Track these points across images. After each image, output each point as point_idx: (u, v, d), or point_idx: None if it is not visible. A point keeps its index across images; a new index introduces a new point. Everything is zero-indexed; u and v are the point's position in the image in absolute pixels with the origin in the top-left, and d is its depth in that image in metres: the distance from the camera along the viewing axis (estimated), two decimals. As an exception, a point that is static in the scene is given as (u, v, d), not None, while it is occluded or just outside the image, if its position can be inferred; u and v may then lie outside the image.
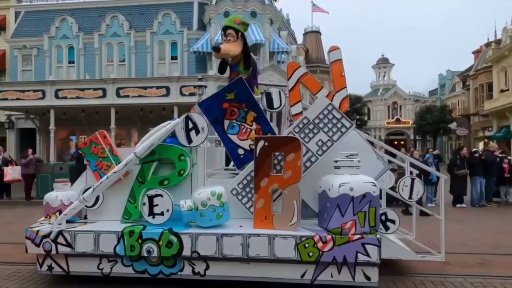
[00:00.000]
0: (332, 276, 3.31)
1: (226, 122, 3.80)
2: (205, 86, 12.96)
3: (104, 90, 15.02)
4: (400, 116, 37.93)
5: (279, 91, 3.93)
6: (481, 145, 27.67)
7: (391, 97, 38.49)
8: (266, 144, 3.50)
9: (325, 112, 3.69)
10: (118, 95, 14.96)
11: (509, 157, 10.56)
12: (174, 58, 18.24)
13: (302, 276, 3.33)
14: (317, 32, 34.27)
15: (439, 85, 47.47)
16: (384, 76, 41.22)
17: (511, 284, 3.96)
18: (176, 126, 3.74)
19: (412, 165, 4.54)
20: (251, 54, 4.46)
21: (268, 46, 17.50)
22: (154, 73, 17.83)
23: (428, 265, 4.48)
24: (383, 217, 3.85)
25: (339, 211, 3.26)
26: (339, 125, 3.68)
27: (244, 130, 3.79)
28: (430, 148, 14.56)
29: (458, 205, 9.78)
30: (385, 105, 38.54)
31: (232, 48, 4.26)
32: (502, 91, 25.14)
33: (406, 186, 4.00)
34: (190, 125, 3.71)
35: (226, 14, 16.94)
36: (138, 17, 18.81)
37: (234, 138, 3.78)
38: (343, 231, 3.26)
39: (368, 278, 3.29)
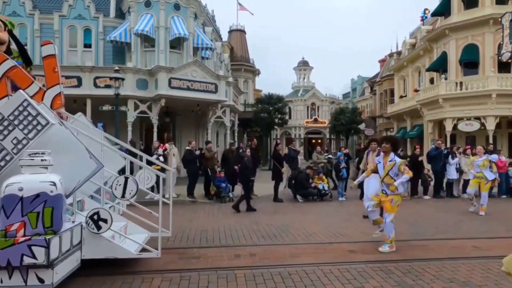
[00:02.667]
0: (1, 281, 3.19)
1: None
2: (123, 79, 12.17)
3: (-1, 77, 13.09)
4: (318, 116, 40.52)
5: None
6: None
7: (310, 98, 40.88)
8: None
9: (21, 108, 3.56)
10: (17, 83, 13.21)
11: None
12: (87, 46, 16.70)
13: None
14: (242, 31, 34.68)
15: (351, 89, 52.03)
16: (304, 78, 43.57)
17: (399, 266, 4.53)
18: None
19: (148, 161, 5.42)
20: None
21: (192, 41, 17.12)
22: (63, 61, 16.10)
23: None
24: (95, 217, 3.90)
25: (3, 212, 3.16)
26: (35, 122, 3.58)
27: None
28: (342, 147, 15.92)
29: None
30: (305, 105, 40.78)
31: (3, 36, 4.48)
32: (401, 97, 28.57)
33: (119, 185, 4.06)
34: None
35: (147, 4, 16.09)
36: (44, -4, 16.76)
37: None
38: (9, 233, 3.16)
39: (41, 280, 3.24)
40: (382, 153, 5.41)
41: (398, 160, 5.20)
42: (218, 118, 17.71)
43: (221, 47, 24.84)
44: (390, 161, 5.18)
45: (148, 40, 16.25)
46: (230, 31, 34.67)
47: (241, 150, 10.38)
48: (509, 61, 18.31)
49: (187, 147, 10.36)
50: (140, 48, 16.31)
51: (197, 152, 10.63)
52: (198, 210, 8.86)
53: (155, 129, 14.41)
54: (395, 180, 5.11)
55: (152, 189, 10.63)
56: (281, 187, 10.92)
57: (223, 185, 10.48)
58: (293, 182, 10.80)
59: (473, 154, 11.60)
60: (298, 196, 10.64)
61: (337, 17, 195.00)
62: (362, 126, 36.41)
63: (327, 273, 4.30)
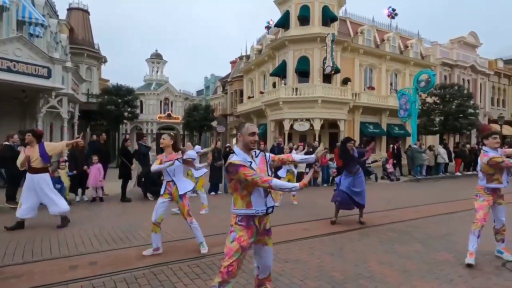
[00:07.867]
0: None
1: None
2: None
3: None
4: (171, 111, 39.87)
5: None
6: (234, 141, 33.24)
7: (163, 93, 39.80)
8: None
9: None
10: None
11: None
12: None
13: None
14: (85, 11, 30.65)
15: (205, 87, 53.38)
16: (157, 71, 42.07)
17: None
18: None
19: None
20: None
21: (16, 13, 14.03)
22: None
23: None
24: None
25: None
26: None
27: None
28: (195, 143, 16.18)
29: (213, 193, 11.24)
30: (158, 100, 39.44)
31: None
32: (249, 97, 31.04)
33: None
34: None
35: None
36: None
37: None
38: None
39: None
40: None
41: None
42: (52, 108, 15.13)
43: (58, 26, 21.32)
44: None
45: None
46: (70, 9, 30.14)
47: None
48: (331, 73, 22.41)
49: (6, 142, 8.43)
50: None
51: (19, 148, 8.78)
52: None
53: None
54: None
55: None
56: (130, 185, 10.21)
57: (58, 186, 9.00)
58: (143, 180, 10.24)
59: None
60: (148, 194, 10.17)
61: (194, 13, 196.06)
62: (214, 124, 37.80)
63: (176, 271, 4.24)
